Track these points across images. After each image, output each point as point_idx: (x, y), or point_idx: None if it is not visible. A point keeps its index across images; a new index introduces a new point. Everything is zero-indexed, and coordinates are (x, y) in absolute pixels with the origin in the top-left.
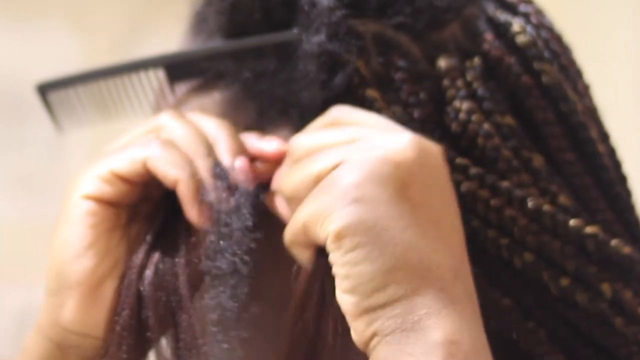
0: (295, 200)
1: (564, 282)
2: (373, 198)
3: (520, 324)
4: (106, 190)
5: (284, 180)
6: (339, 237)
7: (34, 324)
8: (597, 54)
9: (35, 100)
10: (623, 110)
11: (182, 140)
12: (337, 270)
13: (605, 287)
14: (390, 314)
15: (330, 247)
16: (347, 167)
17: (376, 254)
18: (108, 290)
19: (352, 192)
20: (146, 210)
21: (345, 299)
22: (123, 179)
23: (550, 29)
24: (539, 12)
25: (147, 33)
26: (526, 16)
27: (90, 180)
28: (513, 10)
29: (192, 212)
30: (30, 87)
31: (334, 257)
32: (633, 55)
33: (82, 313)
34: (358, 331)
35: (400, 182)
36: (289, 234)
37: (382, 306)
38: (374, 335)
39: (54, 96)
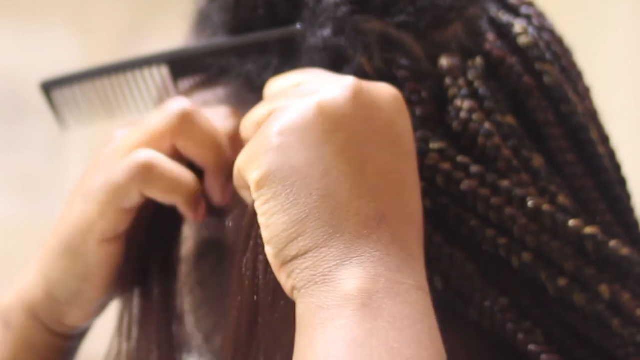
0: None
1: (562, 282)
2: (294, 144)
3: (517, 323)
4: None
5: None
6: (258, 186)
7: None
8: (597, 55)
9: (35, 100)
10: (623, 112)
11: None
12: (259, 220)
13: (604, 289)
14: (303, 266)
15: (253, 197)
16: (277, 113)
17: (290, 204)
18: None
19: (274, 139)
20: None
21: (267, 251)
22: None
23: (552, 32)
24: (541, 15)
25: (146, 33)
26: (528, 18)
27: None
28: (515, 11)
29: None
30: (30, 87)
31: (256, 207)
32: (633, 56)
33: (89, 318)
34: (282, 283)
35: (324, 127)
36: (234, 179)
37: (295, 258)
38: (293, 288)
39: (58, 94)
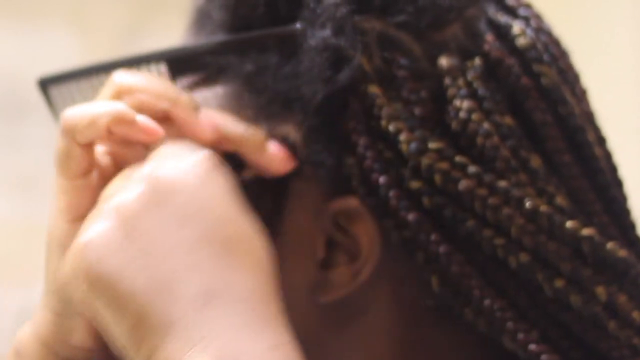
0: None
1: (559, 283)
2: (103, 256)
3: (514, 324)
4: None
5: None
6: (85, 302)
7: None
8: (597, 55)
9: (35, 100)
10: (623, 112)
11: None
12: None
13: (600, 290)
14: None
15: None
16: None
17: (119, 317)
18: None
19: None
20: None
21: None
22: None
23: (549, 33)
24: (538, 17)
25: (146, 33)
26: (526, 19)
27: None
28: (513, 13)
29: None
30: (30, 87)
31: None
32: (633, 56)
33: (96, 334)
34: None
35: (126, 225)
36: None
37: (149, 359)
38: None
39: (56, 90)
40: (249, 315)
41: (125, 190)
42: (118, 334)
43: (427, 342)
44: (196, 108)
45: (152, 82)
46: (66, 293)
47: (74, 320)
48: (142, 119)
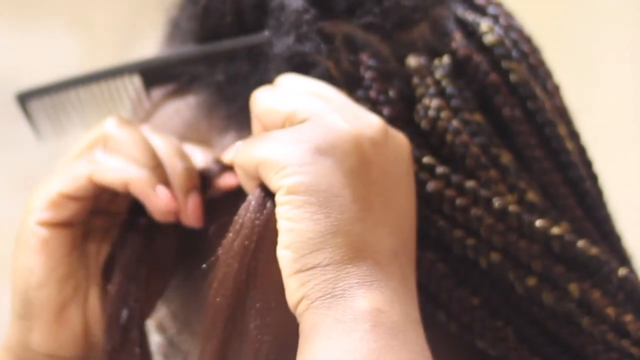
0: (259, 123)
1: (531, 281)
2: (332, 165)
3: (489, 323)
4: (58, 213)
5: (256, 100)
6: (291, 192)
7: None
8: (597, 55)
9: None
10: (623, 111)
11: (128, 146)
12: (281, 223)
13: (573, 287)
14: (323, 277)
15: (279, 199)
16: (317, 125)
17: (321, 216)
18: (73, 313)
19: (312, 154)
20: (101, 225)
21: (283, 254)
22: (72, 198)
23: (519, 31)
24: (508, 14)
25: (146, 33)
26: (495, 17)
27: (41, 203)
28: (482, 11)
29: (155, 202)
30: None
31: (281, 210)
32: (633, 56)
33: (51, 337)
34: (290, 291)
35: (361, 159)
36: (241, 161)
37: (316, 267)
38: (303, 297)
39: (34, 104)
40: (410, 290)
41: (367, 122)
42: (307, 227)
43: None
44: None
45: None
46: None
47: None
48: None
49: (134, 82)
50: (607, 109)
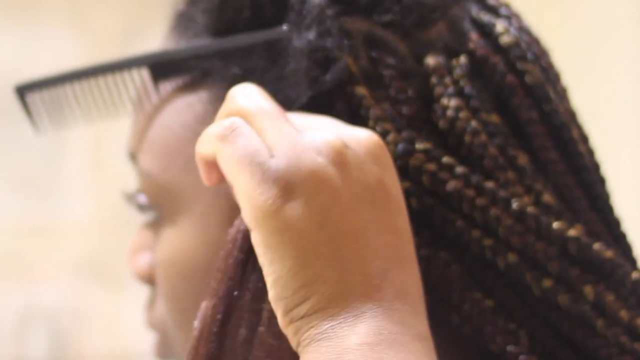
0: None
1: (547, 283)
2: (301, 207)
3: (502, 325)
4: None
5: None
6: (265, 246)
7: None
8: (597, 54)
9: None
10: (623, 110)
11: None
12: (264, 271)
13: (588, 290)
14: (308, 326)
15: (259, 256)
16: (276, 170)
17: (299, 267)
18: None
19: (280, 199)
20: None
21: (274, 306)
22: None
23: (529, 32)
24: (518, 16)
25: (147, 33)
26: (508, 18)
27: None
28: (495, 12)
29: None
30: None
31: (262, 263)
32: (633, 56)
33: None
34: (289, 338)
35: (327, 193)
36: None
37: (303, 317)
38: (298, 344)
39: (34, 97)
40: (407, 305)
41: (315, 155)
42: (288, 284)
43: None
44: None
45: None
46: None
47: None
48: None
49: (141, 76)
50: (606, 110)
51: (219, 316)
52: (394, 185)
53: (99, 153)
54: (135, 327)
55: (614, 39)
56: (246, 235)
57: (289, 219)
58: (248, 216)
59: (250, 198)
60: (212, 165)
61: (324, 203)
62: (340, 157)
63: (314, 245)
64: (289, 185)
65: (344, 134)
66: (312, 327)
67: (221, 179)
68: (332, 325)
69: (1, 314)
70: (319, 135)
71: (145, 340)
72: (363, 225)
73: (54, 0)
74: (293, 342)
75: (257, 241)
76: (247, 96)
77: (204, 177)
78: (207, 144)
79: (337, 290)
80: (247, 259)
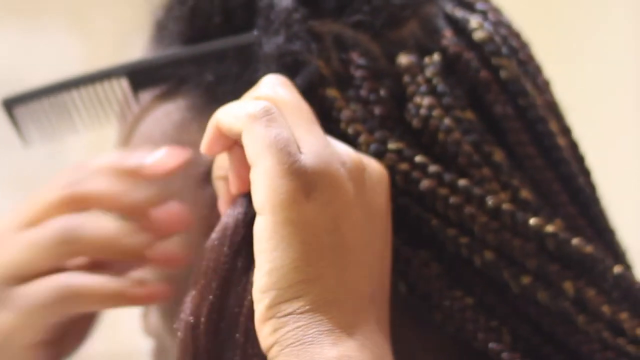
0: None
1: (525, 280)
2: (318, 210)
3: (483, 323)
4: None
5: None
6: (272, 231)
7: None
8: (597, 54)
9: None
10: (623, 110)
11: None
12: (260, 259)
13: (567, 286)
14: (295, 325)
15: (256, 242)
16: (315, 158)
17: (302, 262)
18: None
19: (297, 203)
20: None
21: (258, 297)
22: None
23: (508, 26)
24: (496, 10)
25: (147, 33)
26: (484, 13)
27: None
28: (470, 8)
29: None
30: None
31: (260, 250)
32: (633, 55)
33: None
34: (263, 335)
35: (341, 206)
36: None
37: (290, 314)
38: (275, 343)
39: (20, 110)
40: (383, 332)
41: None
42: (287, 275)
43: (401, 344)
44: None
45: None
46: None
47: None
48: None
49: (122, 86)
50: (600, 103)
51: (204, 309)
52: (388, 215)
53: (99, 153)
54: (135, 327)
55: (614, 38)
56: (236, 231)
57: (305, 215)
58: (263, 199)
59: (272, 183)
60: (223, 137)
61: (338, 212)
62: (360, 176)
63: (322, 247)
64: (313, 184)
65: (363, 157)
66: (298, 327)
67: (220, 153)
68: (319, 331)
69: None
70: (345, 148)
71: (145, 340)
72: (365, 245)
73: (54, 1)
74: (267, 341)
75: (265, 226)
76: (285, 87)
77: (206, 144)
78: (234, 118)
79: (334, 297)
80: (235, 256)
